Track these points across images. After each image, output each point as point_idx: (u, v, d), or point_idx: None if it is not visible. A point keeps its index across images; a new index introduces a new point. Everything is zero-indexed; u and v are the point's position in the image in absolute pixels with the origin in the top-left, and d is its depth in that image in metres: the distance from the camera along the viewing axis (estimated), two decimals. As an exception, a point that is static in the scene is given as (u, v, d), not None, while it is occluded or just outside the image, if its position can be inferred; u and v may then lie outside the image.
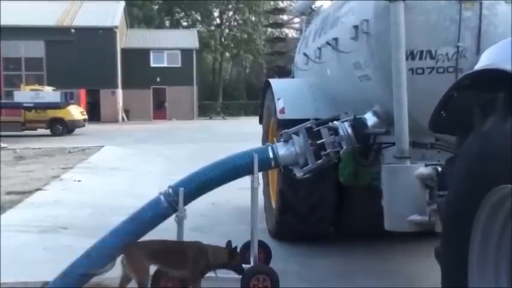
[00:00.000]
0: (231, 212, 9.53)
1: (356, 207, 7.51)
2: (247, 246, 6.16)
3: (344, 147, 5.59)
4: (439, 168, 4.47)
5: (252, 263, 5.85)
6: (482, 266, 3.03)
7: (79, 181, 14.20)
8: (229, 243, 5.54)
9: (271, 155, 5.70)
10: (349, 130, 5.55)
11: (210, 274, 5.53)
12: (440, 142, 5.25)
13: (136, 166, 17.75)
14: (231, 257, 5.49)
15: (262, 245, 6.24)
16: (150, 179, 14.57)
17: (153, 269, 5.42)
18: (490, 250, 3.01)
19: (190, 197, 5.56)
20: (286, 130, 5.88)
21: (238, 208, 9.75)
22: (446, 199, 3.35)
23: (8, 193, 12.20)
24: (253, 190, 5.77)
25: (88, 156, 20.33)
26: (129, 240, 5.46)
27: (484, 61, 3.17)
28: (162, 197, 5.56)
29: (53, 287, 5.44)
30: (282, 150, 5.74)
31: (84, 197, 11.99)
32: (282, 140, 5.83)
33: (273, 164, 5.78)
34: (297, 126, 5.87)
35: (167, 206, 5.50)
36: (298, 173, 5.73)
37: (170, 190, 5.56)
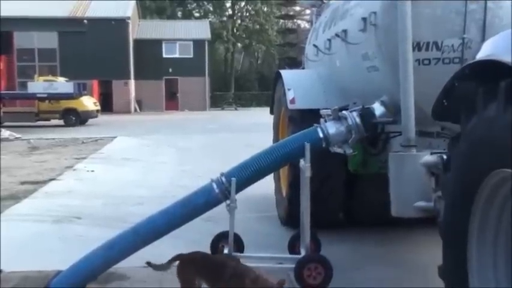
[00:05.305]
0: (242, 202, 9.59)
1: (365, 195, 7.60)
2: (297, 237, 6.15)
3: (353, 136, 5.64)
4: (445, 156, 4.55)
5: (303, 253, 5.79)
6: (481, 255, 3.12)
7: (92, 171, 14.38)
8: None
9: (321, 135, 5.59)
10: (358, 119, 5.57)
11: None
12: (446, 131, 5.34)
13: (148, 157, 17.87)
14: None
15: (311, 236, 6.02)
16: (162, 170, 14.75)
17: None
18: (488, 238, 3.11)
19: (241, 185, 5.49)
20: (335, 107, 5.79)
21: (248, 198, 9.80)
22: (448, 179, 3.47)
23: (23, 183, 12.41)
24: (305, 179, 5.70)
25: (101, 147, 20.51)
26: (176, 223, 5.42)
27: (485, 51, 3.25)
28: (214, 185, 5.44)
29: (98, 253, 5.36)
30: (332, 129, 5.63)
31: (97, 187, 12.18)
32: (331, 118, 5.74)
33: (324, 145, 5.64)
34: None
35: (219, 193, 5.41)
36: (348, 150, 5.71)
37: (223, 178, 5.45)
